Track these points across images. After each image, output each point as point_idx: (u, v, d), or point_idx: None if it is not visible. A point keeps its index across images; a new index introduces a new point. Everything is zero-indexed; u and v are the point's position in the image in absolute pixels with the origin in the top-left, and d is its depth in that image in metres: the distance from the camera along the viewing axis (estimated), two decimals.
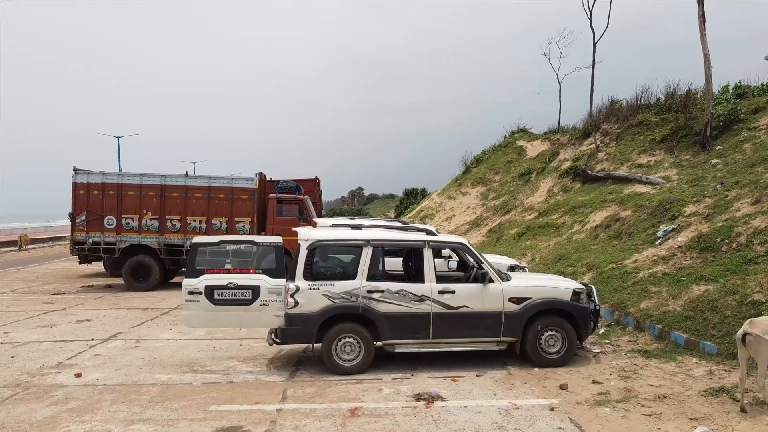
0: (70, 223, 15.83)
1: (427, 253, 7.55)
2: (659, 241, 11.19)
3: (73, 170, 15.47)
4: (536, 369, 7.33)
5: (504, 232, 19.52)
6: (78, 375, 7.24)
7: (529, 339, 7.45)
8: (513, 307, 7.44)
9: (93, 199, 15.32)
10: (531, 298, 7.50)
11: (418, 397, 6.28)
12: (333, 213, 45.55)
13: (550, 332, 7.49)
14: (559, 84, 33.11)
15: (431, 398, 6.23)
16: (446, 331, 7.40)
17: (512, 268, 10.26)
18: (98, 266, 18.27)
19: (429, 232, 8.39)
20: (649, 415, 5.71)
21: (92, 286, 16.35)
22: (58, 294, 14.71)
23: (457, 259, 8.98)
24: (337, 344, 7.22)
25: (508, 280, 7.75)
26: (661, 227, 11.65)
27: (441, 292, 7.36)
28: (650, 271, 9.95)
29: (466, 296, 7.42)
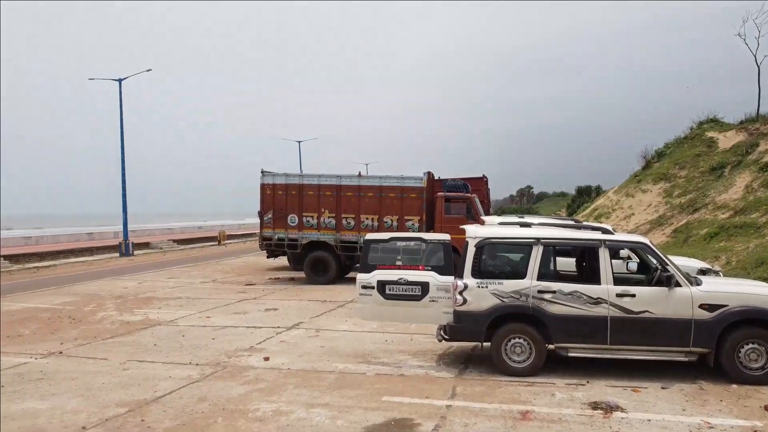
0: (259, 221, 17.46)
1: (604, 253, 7.10)
2: None
3: (261, 173, 17.02)
4: (734, 386, 6.53)
5: (692, 232, 17.74)
6: (266, 359, 7.94)
7: (726, 351, 6.65)
8: (705, 315, 6.71)
9: (278, 199, 16.74)
10: (727, 305, 6.70)
11: (595, 406, 5.93)
12: (501, 211, 44.85)
13: (751, 345, 6.61)
14: (758, 66, 29.18)
15: (609, 408, 5.84)
16: (626, 337, 6.90)
17: (703, 272, 9.30)
18: (283, 260, 19.91)
19: (605, 231, 7.89)
20: None
21: (278, 278, 17.87)
22: (249, 285, 16.31)
23: (638, 260, 8.32)
24: (507, 344, 7.08)
25: (698, 284, 7.01)
26: None
27: (619, 295, 6.88)
28: None
29: (649, 300, 6.84)
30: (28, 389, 6.69)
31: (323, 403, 6.12)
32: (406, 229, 15.78)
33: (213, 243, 38.32)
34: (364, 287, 7.66)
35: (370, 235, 8.23)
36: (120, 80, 28.04)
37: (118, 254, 28.72)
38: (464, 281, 7.17)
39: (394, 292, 7.53)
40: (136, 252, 29.75)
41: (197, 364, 7.74)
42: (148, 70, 28.76)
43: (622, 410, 5.80)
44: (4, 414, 5.84)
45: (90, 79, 28.94)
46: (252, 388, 6.66)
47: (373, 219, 16.21)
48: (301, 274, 17.15)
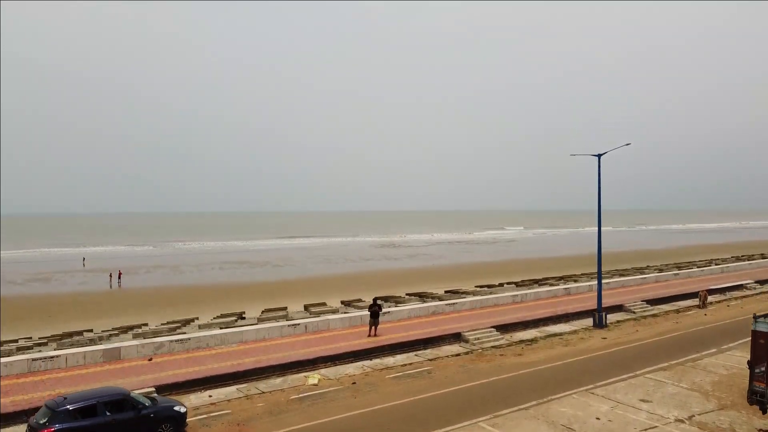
0: (749, 369, 14.95)
1: None
2: None
3: (753, 318, 14.57)
4: None
5: None
6: None
7: None
8: None
9: None
10: None
11: None
12: None
13: None
14: None
15: None
16: None
17: None
18: None
19: None
20: None
21: None
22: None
23: None
24: None
25: None
26: None
27: None
28: None
29: None
30: None
31: None
32: None
33: (692, 302, 35.14)
34: None
35: None
36: (599, 155, 28.51)
37: (592, 323, 29.23)
38: None
39: None
40: (610, 318, 29.89)
41: None
42: (627, 144, 28.44)
43: None
44: None
45: (572, 155, 30.71)
46: None
47: None
48: None
